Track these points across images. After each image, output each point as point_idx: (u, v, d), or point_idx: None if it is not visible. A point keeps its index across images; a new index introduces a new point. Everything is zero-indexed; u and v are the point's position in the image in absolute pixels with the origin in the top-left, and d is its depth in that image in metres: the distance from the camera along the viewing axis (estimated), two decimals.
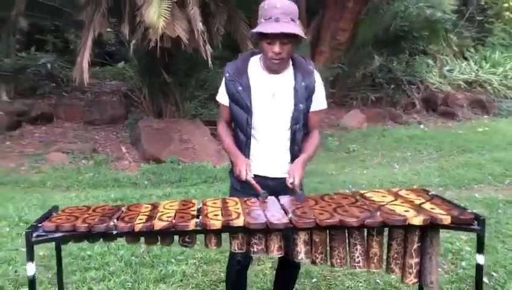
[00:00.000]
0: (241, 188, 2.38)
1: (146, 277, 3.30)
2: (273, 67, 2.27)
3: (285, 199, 2.10)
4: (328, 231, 1.95)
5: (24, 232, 1.71)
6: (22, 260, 3.50)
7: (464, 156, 7.71)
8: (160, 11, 5.02)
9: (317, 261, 1.97)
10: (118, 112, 9.51)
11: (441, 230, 1.94)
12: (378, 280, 3.30)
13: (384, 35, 10.41)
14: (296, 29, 2.16)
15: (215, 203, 2.05)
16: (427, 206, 1.98)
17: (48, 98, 9.99)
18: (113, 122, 9.34)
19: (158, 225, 1.77)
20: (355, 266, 1.97)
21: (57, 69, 10.39)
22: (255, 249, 1.92)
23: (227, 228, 1.80)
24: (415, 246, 1.98)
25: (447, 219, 1.84)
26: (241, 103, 2.32)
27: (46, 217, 1.86)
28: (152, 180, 6.40)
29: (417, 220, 1.84)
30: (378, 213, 1.90)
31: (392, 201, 2.06)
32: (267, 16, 2.15)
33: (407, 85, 11.23)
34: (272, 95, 2.29)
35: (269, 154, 2.36)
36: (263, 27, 2.15)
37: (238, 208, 1.96)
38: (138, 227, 1.76)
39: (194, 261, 3.59)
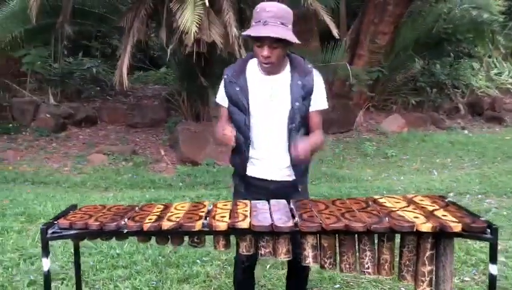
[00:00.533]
0: (245, 189, 2.43)
1: (170, 276, 3.37)
2: (264, 70, 2.29)
3: (295, 203, 2.10)
4: (337, 235, 1.94)
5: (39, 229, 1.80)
6: (55, 256, 3.67)
7: (509, 163, 7.41)
8: (194, 16, 5.13)
9: (325, 266, 1.97)
10: (158, 115, 9.75)
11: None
12: (403, 288, 3.23)
13: (426, 38, 10.15)
14: (283, 33, 2.14)
15: (225, 205, 2.08)
16: (440, 213, 1.93)
17: (93, 101, 10.36)
18: (154, 125, 9.58)
19: (166, 225, 1.82)
20: (364, 272, 1.95)
21: (102, 73, 10.77)
22: (262, 252, 1.94)
23: (232, 229, 1.83)
24: (428, 253, 1.94)
25: (457, 227, 1.79)
26: (239, 104, 2.34)
27: (64, 214, 1.95)
28: (187, 182, 6.52)
29: (426, 227, 1.80)
30: (387, 219, 1.88)
31: (404, 207, 2.02)
32: (257, 19, 2.17)
33: (451, 89, 10.89)
34: (269, 96, 2.30)
35: (268, 156, 2.36)
36: (251, 30, 2.18)
37: (246, 211, 1.99)
38: (146, 226, 1.82)
39: (219, 262, 3.64)
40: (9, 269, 3.45)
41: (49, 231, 1.82)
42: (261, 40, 2.15)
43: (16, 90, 9.75)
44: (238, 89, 2.32)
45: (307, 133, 2.39)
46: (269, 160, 2.37)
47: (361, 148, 8.55)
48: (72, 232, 1.84)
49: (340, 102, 9.98)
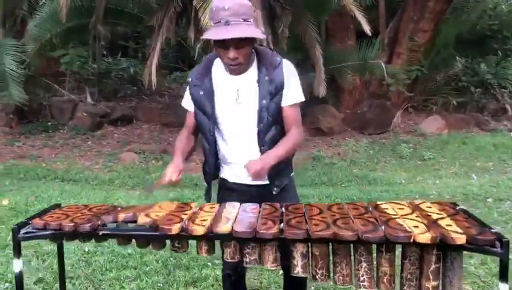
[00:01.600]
0: (220, 193, 2.32)
1: (178, 279, 3.28)
2: (233, 72, 2.10)
3: (287, 207, 1.95)
4: (330, 244, 1.77)
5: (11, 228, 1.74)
6: (68, 254, 3.66)
7: None
8: None
9: (317, 277, 1.80)
10: None
11: None
12: None
13: (468, 35, 9.65)
14: (249, 31, 1.98)
15: (212, 207, 1.95)
16: (444, 222, 1.73)
17: (129, 101, 10.52)
18: None
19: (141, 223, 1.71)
20: (360, 285, 1.77)
21: (139, 73, 10.90)
22: (248, 260, 1.80)
23: (211, 234, 1.70)
24: (433, 267, 1.74)
25: (460, 239, 1.58)
26: (205, 109, 2.16)
27: (42, 214, 1.88)
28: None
29: (424, 237, 1.60)
30: (383, 227, 1.69)
31: (407, 214, 1.83)
32: (216, 19, 1.97)
33: (498, 89, 10.30)
34: (235, 97, 2.11)
35: (240, 160, 2.14)
36: (212, 33, 1.98)
37: (232, 214, 1.85)
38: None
39: None
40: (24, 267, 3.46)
41: (22, 231, 1.75)
42: (225, 42, 1.97)
43: (55, 89, 10.03)
44: (202, 93, 2.15)
45: (280, 132, 2.17)
46: (240, 164, 2.14)
47: (397, 150, 8.22)
48: (46, 232, 1.76)
49: (377, 102, 9.68)
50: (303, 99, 2.20)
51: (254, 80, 2.11)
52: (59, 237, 1.79)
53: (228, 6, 1.93)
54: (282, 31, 6.72)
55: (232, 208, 1.94)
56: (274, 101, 2.10)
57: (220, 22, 1.94)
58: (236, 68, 2.06)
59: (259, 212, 1.91)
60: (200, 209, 1.95)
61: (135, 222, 1.72)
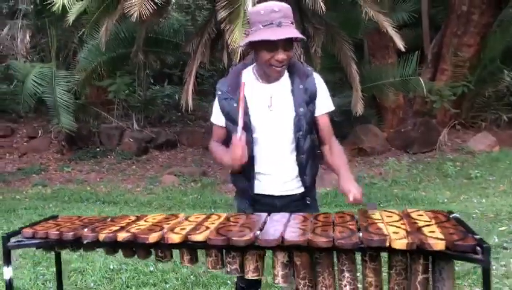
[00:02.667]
0: (252, 210, 2.20)
1: None
2: (275, 75, 2.10)
3: (272, 217, 1.92)
4: (312, 253, 1.72)
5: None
6: (93, 271, 3.76)
7: None
8: (242, 35, 5.12)
9: (299, 287, 1.75)
10: None
11: None
12: None
13: None
14: (298, 32, 2.04)
15: (198, 217, 1.96)
16: (428, 229, 1.63)
17: (174, 126, 10.82)
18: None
19: (121, 236, 1.74)
20: None
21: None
22: (229, 269, 1.78)
23: (186, 243, 1.70)
24: (420, 278, 1.64)
25: (438, 244, 1.49)
26: (237, 119, 2.10)
27: (35, 224, 1.96)
28: None
29: (399, 243, 1.52)
30: (361, 234, 1.63)
31: (393, 221, 1.75)
32: (266, 21, 1.98)
33: None
34: (270, 106, 2.12)
35: (274, 170, 2.16)
36: (265, 34, 1.98)
37: (213, 223, 1.85)
38: (102, 237, 1.75)
39: None
40: (47, 282, 3.60)
41: (12, 240, 1.83)
42: (275, 44, 1.99)
43: (104, 117, 10.51)
44: (235, 104, 2.12)
45: (314, 141, 2.21)
46: (275, 174, 2.17)
47: (442, 168, 7.88)
48: (34, 241, 1.83)
49: (422, 120, 9.38)
50: (333, 108, 2.23)
51: (287, 89, 2.13)
52: (45, 245, 1.86)
53: (279, 9, 1.99)
54: (315, 50, 6.72)
55: (217, 218, 1.93)
56: (309, 109, 2.13)
57: (272, 23, 1.97)
58: (281, 70, 2.07)
59: (245, 220, 1.89)
60: (186, 219, 1.95)
61: (115, 239, 1.74)
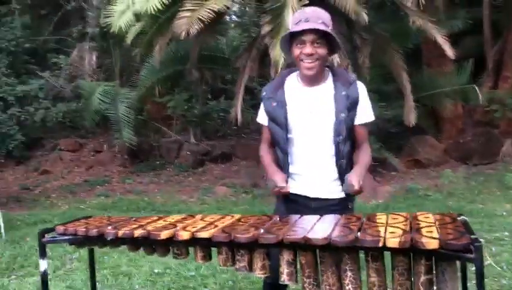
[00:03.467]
0: (286, 208, 2.29)
1: None
2: (307, 73, 2.14)
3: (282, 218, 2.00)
4: (317, 251, 1.78)
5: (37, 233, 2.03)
6: (139, 274, 3.98)
7: None
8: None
9: (305, 286, 1.81)
10: None
11: None
12: None
13: None
14: (327, 29, 2.09)
15: (212, 218, 2.08)
16: (428, 229, 1.65)
17: (229, 139, 11.10)
18: None
19: (137, 232, 1.90)
20: None
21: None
22: (237, 266, 1.87)
23: (194, 239, 1.82)
24: (423, 278, 1.65)
25: (431, 243, 1.50)
26: (277, 119, 2.24)
27: (68, 222, 2.16)
28: None
29: (393, 241, 1.55)
30: (359, 233, 1.67)
31: (396, 223, 1.77)
32: (296, 19, 2.13)
33: None
34: (309, 108, 2.19)
35: (311, 172, 2.23)
36: (292, 29, 2.13)
37: (223, 223, 1.96)
38: (120, 233, 1.91)
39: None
40: (97, 284, 3.85)
41: (48, 236, 2.04)
42: (302, 38, 2.09)
43: (164, 131, 11.00)
44: (275, 104, 2.24)
45: (353, 147, 2.26)
46: (311, 175, 2.24)
47: (504, 180, 7.50)
48: (64, 237, 2.03)
49: (483, 130, 9.00)
50: (373, 118, 2.28)
51: (330, 94, 2.19)
52: (75, 241, 2.05)
53: (309, 11, 2.15)
54: (363, 61, 6.70)
55: (230, 217, 2.04)
56: (350, 116, 2.19)
57: (300, 20, 2.10)
58: (311, 66, 2.11)
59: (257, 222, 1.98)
60: (201, 219, 2.08)
61: (132, 236, 1.90)
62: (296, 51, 2.13)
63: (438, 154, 8.98)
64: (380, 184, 7.86)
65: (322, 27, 2.07)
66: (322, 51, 2.11)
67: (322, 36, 2.09)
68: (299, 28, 2.08)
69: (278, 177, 2.18)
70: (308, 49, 2.08)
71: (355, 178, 2.06)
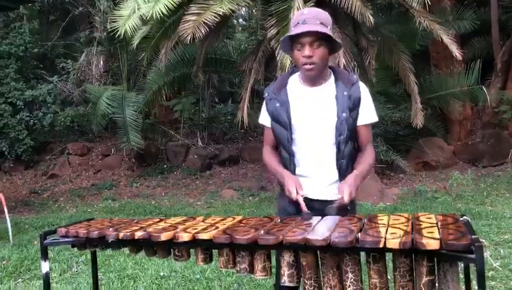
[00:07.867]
0: (295, 211, 2.23)
1: None
2: (308, 74, 2.14)
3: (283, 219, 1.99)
4: (318, 253, 1.77)
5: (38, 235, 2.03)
6: (145, 277, 3.98)
7: None
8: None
9: (306, 287, 1.79)
10: None
11: None
12: None
13: None
14: (325, 29, 2.06)
15: (213, 219, 2.07)
16: (429, 230, 1.62)
17: (236, 142, 11.10)
18: None
19: (137, 234, 1.89)
20: None
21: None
22: (238, 268, 1.86)
23: (194, 241, 1.81)
24: (424, 280, 1.63)
25: (431, 244, 1.48)
26: (280, 119, 2.23)
27: (70, 225, 2.16)
28: None
29: (393, 242, 1.53)
30: (359, 234, 1.65)
31: (397, 224, 1.75)
32: (294, 21, 2.12)
33: None
34: (311, 108, 2.18)
35: (314, 173, 2.21)
36: (290, 32, 2.11)
37: (224, 224, 1.95)
38: (121, 235, 1.91)
39: None
40: (102, 287, 3.85)
41: (49, 238, 2.04)
42: (301, 41, 2.07)
43: (171, 135, 11.02)
44: (278, 104, 2.23)
45: (355, 147, 2.24)
46: (314, 177, 2.22)
47: None
48: (66, 239, 2.03)
49: (492, 132, 8.92)
50: (376, 119, 2.27)
51: (332, 94, 2.18)
52: (77, 243, 2.05)
53: (308, 11, 2.14)
54: (369, 62, 6.67)
55: (231, 219, 2.03)
56: (351, 116, 2.17)
57: (298, 23, 2.08)
58: (311, 68, 2.10)
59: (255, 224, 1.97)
60: (202, 220, 2.07)
61: (133, 237, 1.90)
62: (296, 53, 2.11)
63: (447, 156, 8.91)
64: (388, 186, 7.81)
65: (319, 28, 2.05)
66: (321, 51, 2.09)
67: (320, 37, 2.07)
68: (297, 31, 2.06)
69: (293, 183, 2.12)
70: (306, 51, 2.07)
71: (346, 189, 2.03)
